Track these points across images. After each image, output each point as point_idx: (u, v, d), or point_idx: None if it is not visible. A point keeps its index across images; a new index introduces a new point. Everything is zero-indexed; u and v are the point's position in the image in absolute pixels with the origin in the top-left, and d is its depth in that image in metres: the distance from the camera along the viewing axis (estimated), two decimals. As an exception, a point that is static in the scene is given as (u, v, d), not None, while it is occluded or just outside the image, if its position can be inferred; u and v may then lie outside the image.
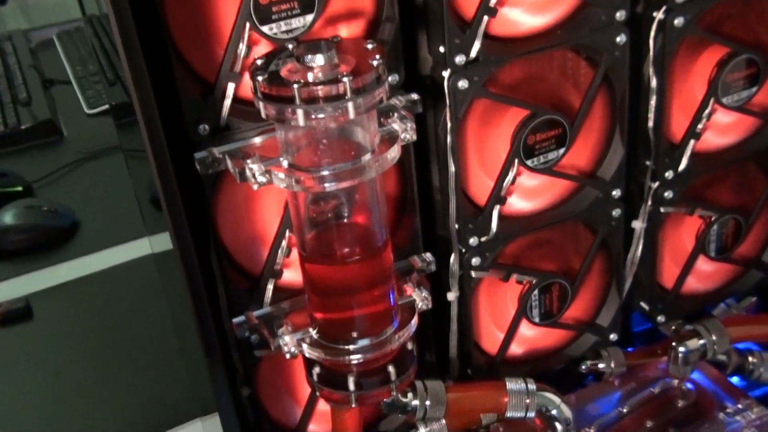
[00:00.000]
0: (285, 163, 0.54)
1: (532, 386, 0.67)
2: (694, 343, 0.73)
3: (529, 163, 0.67)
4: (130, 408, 0.94)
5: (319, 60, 0.51)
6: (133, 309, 1.03)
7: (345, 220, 0.58)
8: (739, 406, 0.70)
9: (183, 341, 0.82)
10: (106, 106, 1.36)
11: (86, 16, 1.40)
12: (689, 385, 0.73)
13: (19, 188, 1.23)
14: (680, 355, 0.73)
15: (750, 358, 0.79)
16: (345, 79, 0.49)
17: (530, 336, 0.77)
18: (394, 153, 0.55)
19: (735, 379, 0.82)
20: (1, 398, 0.93)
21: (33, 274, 1.09)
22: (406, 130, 0.57)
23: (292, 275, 0.65)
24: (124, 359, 0.96)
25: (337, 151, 0.54)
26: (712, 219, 0.77)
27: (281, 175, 0.53)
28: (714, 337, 0.73)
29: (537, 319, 0.75)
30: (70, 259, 1.12)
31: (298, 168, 0.53)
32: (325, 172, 0.53)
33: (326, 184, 0.53)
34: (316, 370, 0.61)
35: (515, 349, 0.77)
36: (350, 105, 0.50)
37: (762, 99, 0.74)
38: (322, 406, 0.71)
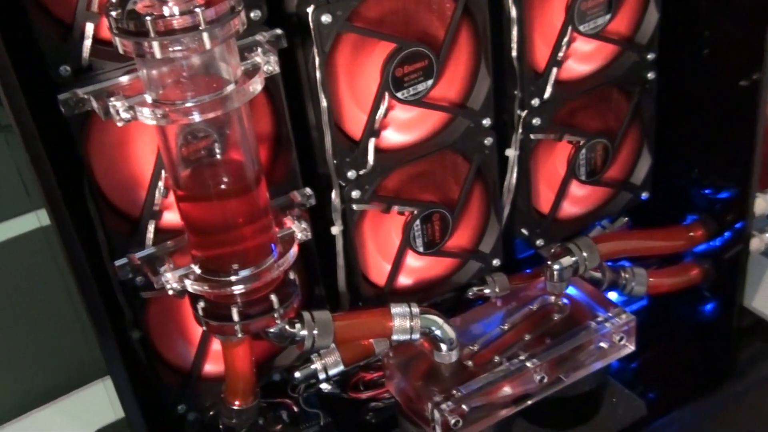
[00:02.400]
0: (149, 99, 0.55)
1: (415, 309, 0.70)
2: (567, 261, 0.78)
3: (399, 95, 0.70)
4: (30, 375, 0.94)
5: (173, -7, 0.52)
6: (27, 282, 1.01)
7: (218, 157, 0.59)
8: (609, 314, 0.75)
9: (76, 304, 0.82)
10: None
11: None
12: (565, 300, 0.78)
13: None
14: (555, 272, 0.77)
15: (623, 274, 0.84)
16: (198, 10, 0.50)
17: (417, 266, 0.81)
18: (256, 84, 0.56)
19: (614, 295, 0.88)
20: None
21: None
22: (268, 63, 0.59)
23: (175, 216, 0.66)
24: (22, 329, 0.95)
25: (201, 85, 0.55)
26: (581, 144, 0.82)
27: (146, 111, 0.54)
28: (585, 254, 0.78)
29: (421, 249, 0.78)
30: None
31: (163, 102, 0.55)
32: (189, 104, 0.54)
33: (191, 116, 0.54)
34: (201, 304, 0.63)
35: (404, 279, 0.81)
36: (205, 35, 0.51)
37: (617, 26, 0.78)
38: (216, 346, 0.72)
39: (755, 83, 0.77)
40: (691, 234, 0.87)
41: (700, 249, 0.89)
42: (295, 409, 0.82)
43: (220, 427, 0.72)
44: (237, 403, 0.69)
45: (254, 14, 0.62)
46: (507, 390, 0.71)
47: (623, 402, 0.81)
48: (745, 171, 0.82)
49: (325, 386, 0.83)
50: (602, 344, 0.74)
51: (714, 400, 0.78)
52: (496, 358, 0.72)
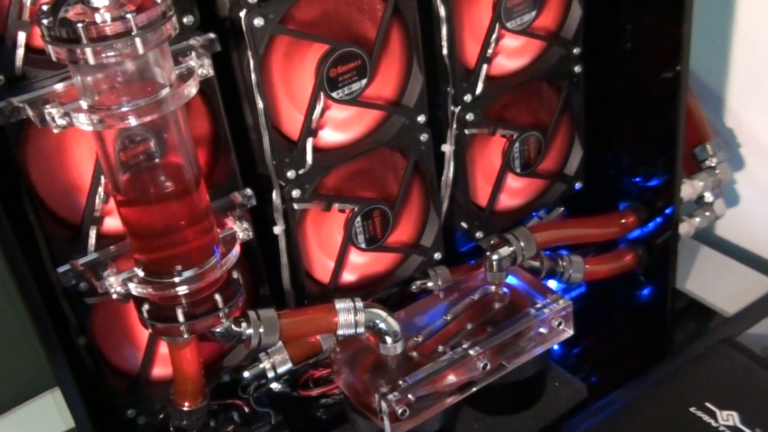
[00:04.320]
0: (85, 105, 0.56)
1: (359, 304, 0.71)
2: (505, 251, 0.80)
3: (334, 95, 0.71)
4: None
5: (103, 0, 0.52)
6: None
7: (156, 161, 0.60)
8: (548, 300, 0.78)
9: (20, 315, 0.81)
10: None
11: None
12: (505, 289, 0.80)
13: None
14: (494, 262, 0.80)
15: (560, 262, 0.87)
16: (129, 16, 0.51)
17: (360, 262, 0.82)
18: (191, 87, 0.57)
19: (553, 283, 0.91)
20: None
21: None
22: (202, 66, 0.60)
23: (116, 221, 0.66)
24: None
25: (136, 90, 0.56)
26: (514, 137, 0.84)
27: (82, 117, 0.55)
28: (522, 244, 0.81)
29: (363, 245, 0.80)
30: None
31: (98, 107, 0.55)
32: (125, 108, 0.55)
33: (127, 120, 0.55)
34: (146, 307, 0.63)
35: (347, 276, 0.82)
36: (138, 40, 0.52)
37: (543, 22, 0.81)
38: (164, 349, 0.73)
39: (677, 75, 0.81)
40: (623, 221, 0.90)
41: (633, 235, 0.92)
42: (246, 409, 0.83)
43: (171, 429, 0.72)
44: (186, 404, 0.70)
45: (187, 19, 0.63)
46: (452, 378, 0.73)
47: (565, 386, 0.83)
48: (671, 158, 0.86)
49: (275, 385, 0.84)
50: (542, 330, 0.77)
51: (651, 380, 0.81)
52: (440, 348, 0.74)
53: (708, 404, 0.75)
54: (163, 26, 0.53)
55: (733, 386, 0.77)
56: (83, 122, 0.55)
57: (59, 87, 0.59)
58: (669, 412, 0.75)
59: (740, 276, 0.99)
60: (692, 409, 0.75)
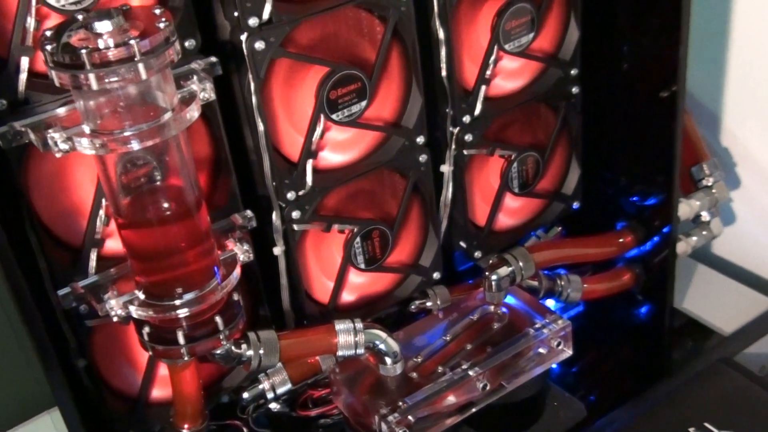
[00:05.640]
0: (87, 129, 0.56)
1: (359, 325, 0.72)
2: (504, 271, 0.80)
3: (334, 117, 0.72)
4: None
5: (107, 26, 0.53)
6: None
7: (158, 184, 0.60)
8: (546, 320, 0.78)
9: (19, 336, 0.81)
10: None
11: None
12: (504, 309, 0.80)
13: None
14: (493, 282, 0.80)
15: (558, 281, 0.87)
16: (133, 42, 0.52)
17: (359, 282, 0.82)
18: (193, 111, 0.58)
19: (552, 303, 0.91)
20: None
21: None
22: (204, 90, 0.60)
23: (117, 243, 0.66)
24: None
25: (139, 114, 0.56)
26: (512, 157, 0.85)
27: (84, 141, 0.55)
28: (521, 264, 0.81)
29: (363, 266, 0.80)
30: None
31: (101, 132, 0.56)
32: (128, 133, 0.55)
33: (130, 145, 0.55)
34: (146, 330, 0.63)
35: (347, 296, 0.82)
36: (141, 66, 0.52)
37: (541, 44, 0.82)
38: (163, 371, 0.73)
39: (673, 95, 0.82)
40: (621, 240, 0.90)
41: (630, 254, 0.93)
42: (245, 429, 0.83)
43: (170, 451, 0.72)
44: (186, 426, 0.70)
45: (189, 43, 0.64)
46: (451, 399, 0.73)
47: (564, 405, 0.83)
48: (669, 178, 0.86)
49: (274, 406, 0.84)
50: (541, 350, 0.77)
51: (650, 399, 0.81)
52: (440, 369, 0.74)
53: (706, 424, 0.75)
54: (166, 52, 0.54)
55: (731, 406, 0.77)
56: (86, 146, 0.55)
57: (62, 111, 0.59)
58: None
59: (738, 295, 0.99)
60: (691, 430, 0.75)
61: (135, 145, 0.56)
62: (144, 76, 0.53)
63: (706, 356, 0.88)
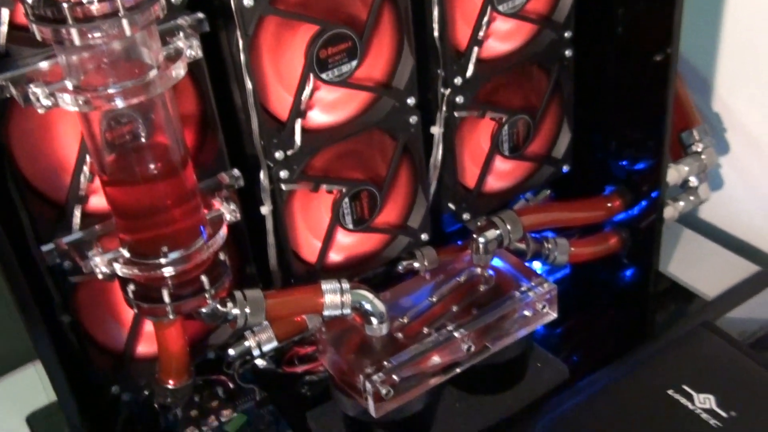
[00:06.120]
0: (70, 85, 0.55)
1: (345, 285, 0.72)
2: (492, 233, 0.80)
3: (323, 76, 0.71)
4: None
5: (91, -20, 0.52)
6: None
7: (143, 141, 0.60)
8: (532, 283, 0.78)
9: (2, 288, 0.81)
10: None
11: None
12: (490, 272, 0.81)
13: None
14: (480, 245, 0.80)
15: (546, 244, 0.88)
16: (116, -4, 0.51)
17: (347, 242, 0.82)
18: (179, 69, 0.57)
19: (538, 265, 0.92)
20: None
21: None
22: (191, 47, 0.59)
23: (102, 200, 0.66)
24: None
25: (123, 71, 0.55)
26: (503, 120, 0.84)
27: (67, 97, 0.55)
28: (509, 227, 0.81)
29: (351, 226, 0.80)
30: None
31: (84, 88, 0.55)
32: (112, 90, 0.54)
33: (114, 102, 0.55)
34: (131, 287, 0.63)
35: (334, 256, 0.82)
36: (125, 21, 0.51)
37: (535, 5, 0.81)
38: (149, 327, 0.73)
39: (666, 59, 0.81)
40: (609, 204, 0.90)
41: (618, 218, 0.93)
42: (231, 385, 0.84)
43: (155, 406, 0.73)
44: (171, 382, 0.70)
45: (175, -1, 0.63)
46: (436, 359, 0.74)
47: (548, 366, 0.84)
48: (658, 143, 0.86)
49: (260, 362, 0.84)
50: (526, 312, 0.78)
51: (631, 362, 0.82)
52: (425, 330, 0.75)
53: (685, 387, 0.76)
54: (151, 7, 0.53)
55: (710, 370, 0.78)
56: (68, 103, 0.55)
57: (44, 65, 0.58)
58: (647, 394, 0.77)
59: (722, 260, 1.00)
60: (670, 392, 0.76)
61: (119, 103, 0.55)
62: (128, 32, 0.52)
63: (688, 320, 0.89)
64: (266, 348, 0.77)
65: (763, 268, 0.96)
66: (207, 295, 0.64)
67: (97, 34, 0.51)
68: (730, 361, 0.79)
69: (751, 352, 0.80)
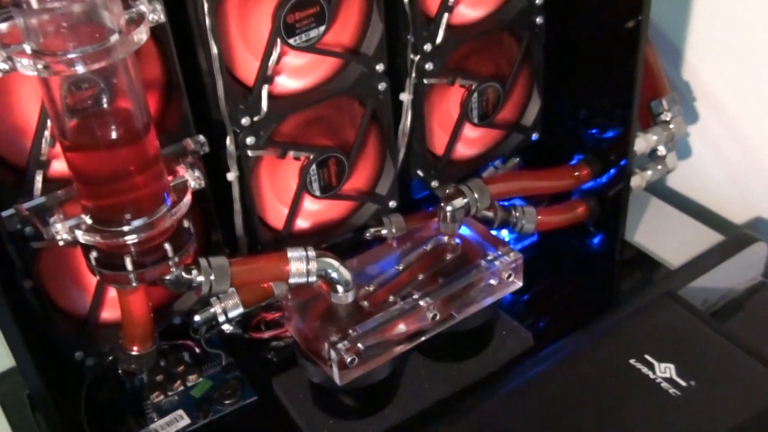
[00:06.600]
0: (28, 49, 0.54)
1: (311, 253, 0.71)
2: (459, 202, 0.80)
3: (291, 41, 0.70)
4: None
5: (48, -59, 0.50)
6: None
7: (104, 106, 0.59)
8: (499, 252, 0.79)
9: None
10: None
11: None
12: (457, 240, 0.81)
13: None
14: (447, 213, 0.80)
15: (513, 212, 0.88)
16: (74, -41, 0.49)
17: (314, 209, 0.82)
18: (141, 34, 0.56)
19: (505, 233, 0.92)
20: None
21: None
22: (153, 11, 0.58)
23: (64, 165, 0.64)
24: None
25: (84, 35, 0.54)
26: (473, 87, 0.84)
27: (25, 61, 0.53)
28: (476, 195, 0.81)
29: (318, 193, 0.79)
30: None
31: (43, 53, 0.53)
32: (72, 55, 0.53)
33: (75, 67, 0.53)
34: (94, 254, 0.63)
35: (301, 223, 0.82)
36: (84, -16, 0.50)
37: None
38: (113, 293, 0.73)
39: (637, 26, 0.81)
40: (577, 173, 0.91)
41: (586, 186, 0.93)
42: (197, 350, 0.84)
43: (120, 372, 0.72)
44: (135, 349, 0.70)
45: (138, -39, 0.61)
46: (401, 328, 0.74)
47: (513, 334, 0.85)
48: (627, 112, 0.86)
49: (227, 327, 0.84)
50: (492, 281, 0.78)
51: (594, 331, 0.83)
52: (391, 298, 0.75)
53: (647, 356, 0.77)
54: (111, -30, 0.51)
55: (672, 339, 0.79)
56: (27, 67, 0.53)
57: (2, 27, 0.56)
58: (610, 363, 0.78)
59: (688, 229, 1.01)
60: (632, 361, 0.77)
61: (80, 68, 0.54)
62: (86, -5, 0.50)
63: (652, 289, 0.90)
64: (232, 314, 0.77)
65: (728, 237, 0.97)
66: (170, 263, 0.63)
67: (54, -3, 0.50)
68: (692, 331, 0.80)
69: (711, 322, 0.81)
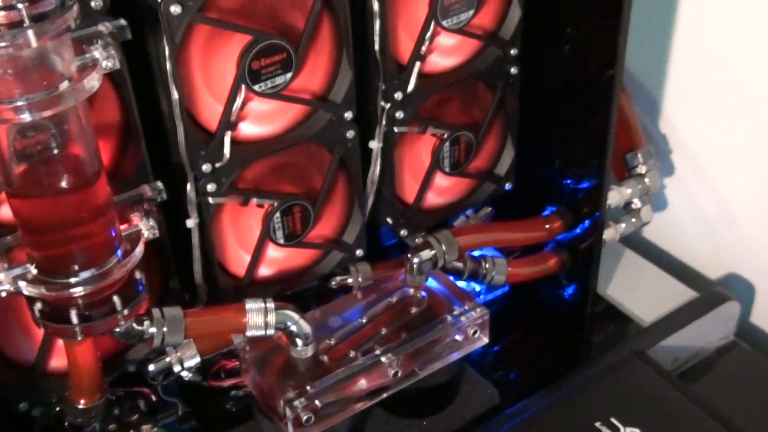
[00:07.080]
0: (-28, 95, 0.51)
1: (270, 305, 0.69)
2: (427, 254, 0.78)
3: (256, 88, 0.68)
4: None
5: (-6, -15, 0.48)
6: None
7: (54, 152, 0.56)
8: (465, 307, 0.77)
9: None
10: None
11: None
12: (423, 293, 0.79)
13: None
14: (414, 265, 0.78)
15: (483, 264, 0.86)
16: (21, 6, 0.47)
17: (278, 257, 0.80)
18: (93, 81, 0.54)
19: (475, 285, 0.90)
20: None
21: None
22: (108, 58, 0.56)
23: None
24: None
25: (32, 82, 0.52)
26: (445, 136, 0.82)
27: (-31, 109, 0.51)
28: (444, 247, 0.79)
29: (282, 241, 0.77)
30: None
31: (-12, 100, 0.51)
32: (20, 102, 0.51)
33: (22, 115, 0.51)
34: (38, 306, 0.60)
35: (264, 270, 0.80)
36: (30, 33, 0.48)
37: (481, 21, 0.79)
38: (62, 342, 0.70)
39: (610, 79, 0.80)
40: (549, 226, 0.89)
41: (559, 238, 0.92)
42: (154, 398, 0.80)
43: (66, 425, 0.69)
44: (82, 401, 0.67)
45: (95, 3, 0.59)
46: (362, 384, 0.72)
47: (478, 390, 0.83)
48: (601, 161, 0.84)
49: (185, 374, 0.81)
50: (457, 337, 0.76)
51: (561, 390, 0.81)
52: (352, 353, 0.73)
53: (613, 419, 0.75)
54: (62, 17, 0.49)
55: (639, 402, 0.77)
56: (-29, 115, 0.51)
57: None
58: (575, 425, 0.76)
59: (660, 284, 0.99)
60: (597, 424, 0.75)
61: (27, 116, 0.51)
62: (34, 43, 0.48)
63: (622, 346, 0.89)
64: (188, 364, 0.74)
65: (701, 294, 0.96)
66: (119, 317, 0.61)
67: (1, 44, 0.48)
68: (659, 394, 0.78)
69: (679, 384, 0.79)
